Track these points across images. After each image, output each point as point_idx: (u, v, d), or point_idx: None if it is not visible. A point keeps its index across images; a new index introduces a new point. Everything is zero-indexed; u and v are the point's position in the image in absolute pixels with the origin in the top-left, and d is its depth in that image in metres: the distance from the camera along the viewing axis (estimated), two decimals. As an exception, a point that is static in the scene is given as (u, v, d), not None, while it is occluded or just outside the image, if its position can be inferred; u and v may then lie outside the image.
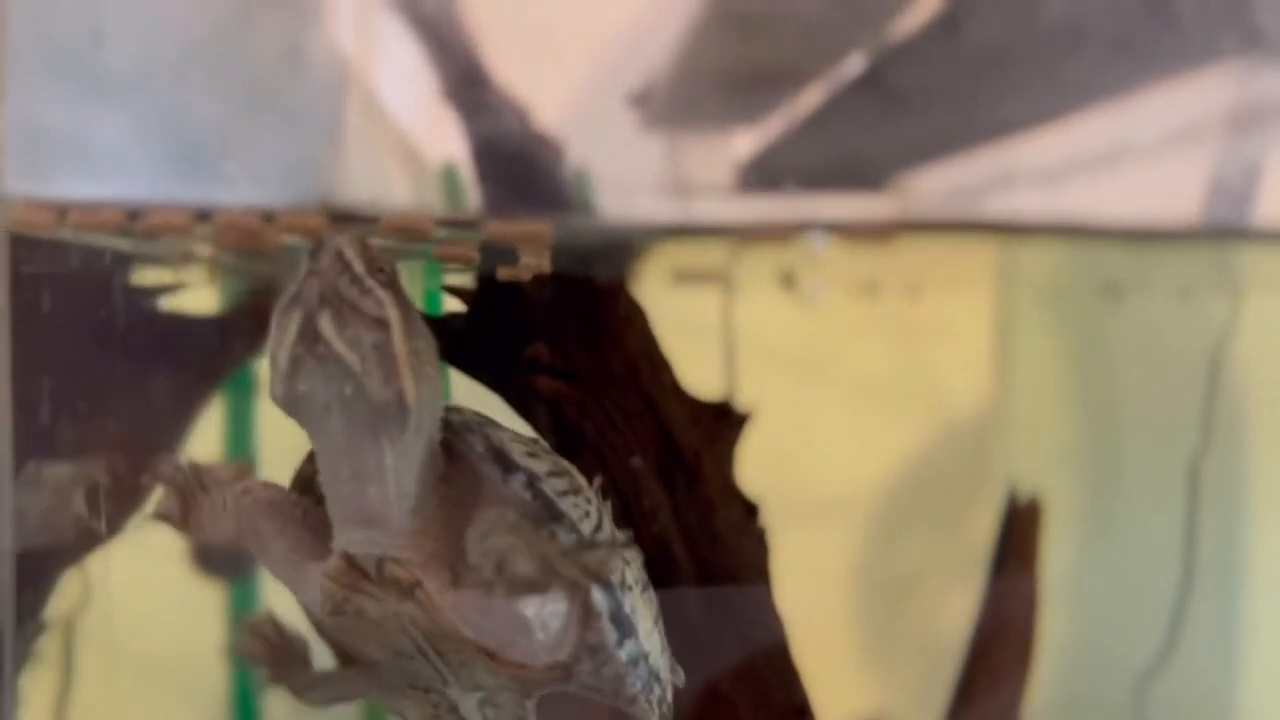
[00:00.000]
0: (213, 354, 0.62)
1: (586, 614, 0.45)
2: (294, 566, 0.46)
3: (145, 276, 0.60)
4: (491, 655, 0.45)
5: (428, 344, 0.43)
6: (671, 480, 0.50)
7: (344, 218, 0.46)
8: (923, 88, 0.63)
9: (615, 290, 0.54)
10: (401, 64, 0.56)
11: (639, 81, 0.59)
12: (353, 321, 0.41)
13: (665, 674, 0.48)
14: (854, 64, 0.62)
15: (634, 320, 0.55)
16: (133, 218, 0.43)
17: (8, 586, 0.48)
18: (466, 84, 0.56)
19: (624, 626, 0.46)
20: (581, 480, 0.46)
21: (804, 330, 0.91)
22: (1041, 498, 0.79)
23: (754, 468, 0.58)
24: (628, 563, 0.47)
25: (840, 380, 0.94)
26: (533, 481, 0.44)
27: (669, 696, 0.48)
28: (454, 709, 0.48)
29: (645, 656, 0.47)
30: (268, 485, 0.48)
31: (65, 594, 0.63)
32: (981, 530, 0.86)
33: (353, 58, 0.57)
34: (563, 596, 0.44)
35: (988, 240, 0.63)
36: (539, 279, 0.52)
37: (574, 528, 0.44)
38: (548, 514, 0.44)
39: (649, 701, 0.47)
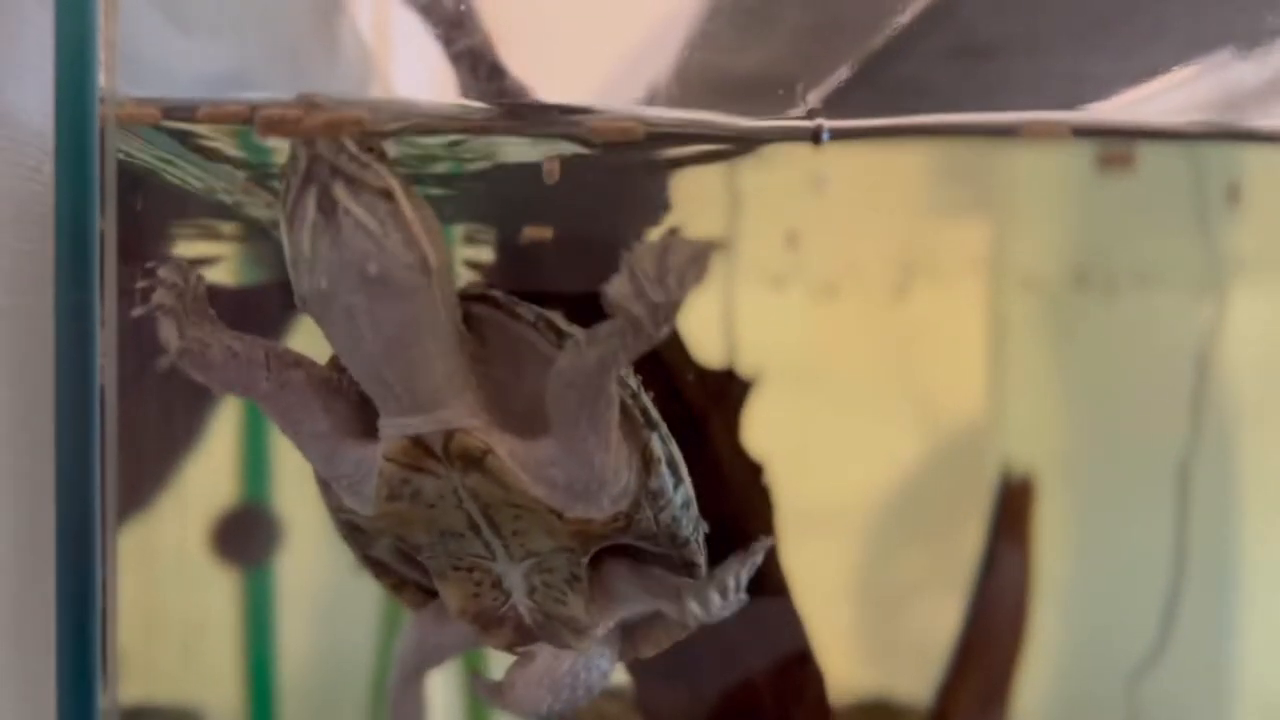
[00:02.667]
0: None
1: (647, 461, 0.46)
2: (332, 446, 0.47)
3: (188, 249, 0.62)
4: (558, 514, 0.45)
5: (430, 212, 0.44)
6: (682, 437, 0.53)
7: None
8: (915, 84, 0.66)
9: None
10: (419, 58, 0.58)
11: (648, 82, 0.62)
12: (363, 190, 0.42)
13: (699, 521, 0.50)
14: (848, 66, 0.65)
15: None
16: (253, 113, 0.46)
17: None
18: (484, 81, 0.58)
19: (677, 472, 0.48)
20: None
21: (797, 330, 0.93)
22: (1034, 479, 0.81)
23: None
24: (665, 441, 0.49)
25: (834, 380, 0.95)
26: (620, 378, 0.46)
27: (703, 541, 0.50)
28: (496, 583, 0.49)
29: (691, 502, 0.48)
30: (310, 361, 0.48)
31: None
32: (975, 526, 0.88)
33: (373, 48, 0.59)
34: (627, 444, 0.46)
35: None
36: (557, 242, 0.55)
37: (624, 383, 0.47)
38: (640, 411, 0.47)
39: (697, 543, 0.49)
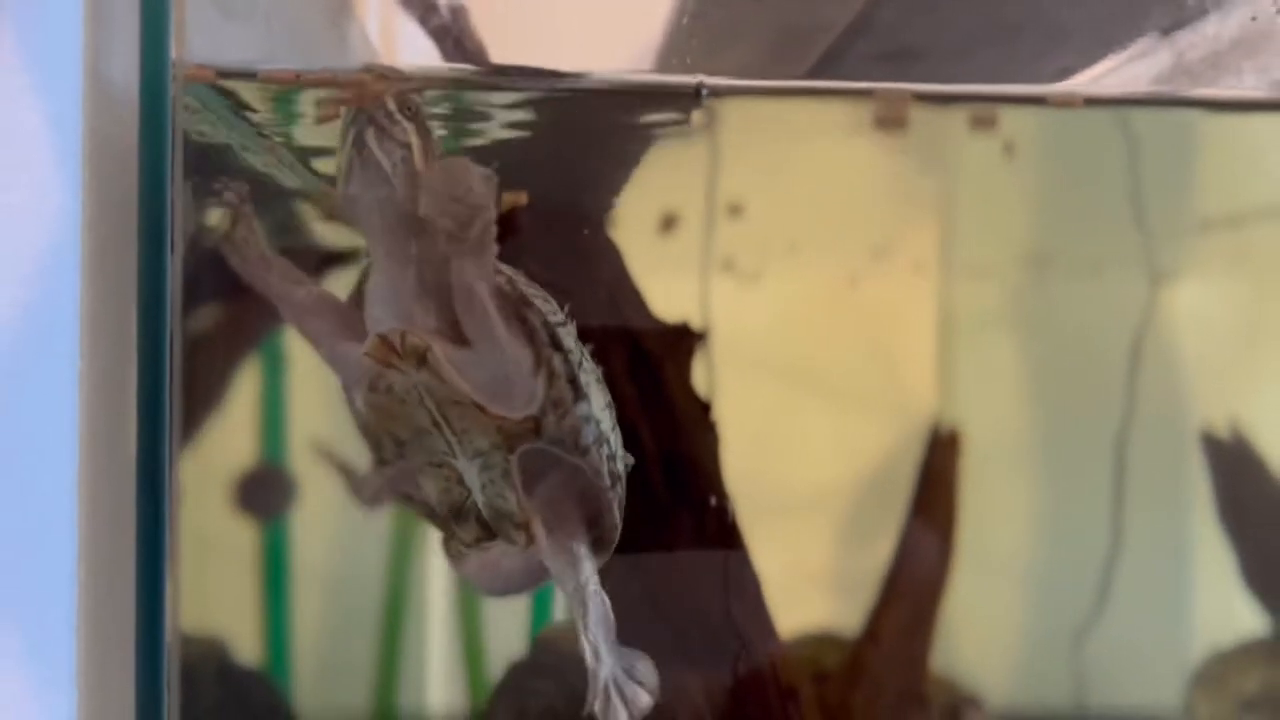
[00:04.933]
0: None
1: (550, 376, 0.58)
2: (339, 349, 0.60)
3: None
4: (482, 410, 0.57)
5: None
6: (639, 379, 0.62)
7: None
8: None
9: (593, 227, 0.67)
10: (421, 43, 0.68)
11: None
12: (386, 139, 0.57)
13: (616, 446, 0.60)
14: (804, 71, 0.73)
15: (610, 254, 0.68)
16: (297, 78, 0.62)
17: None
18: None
19: (578, 391, 0.59)
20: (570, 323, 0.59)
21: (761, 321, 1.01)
22: (960, 433, 0.89)
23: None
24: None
25: (795, 370, 1.04)
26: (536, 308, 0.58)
27: (619, 469, 0.60)
28: (460, 480, 0.60)
29: (596, 421, 0.59)
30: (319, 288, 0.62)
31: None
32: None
33: (378, 51, 0.69)
34: (532, 357, 0.58)
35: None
36: (526, 209, 0.65)
37: (532, 305, 0.58)
38: (548, 336, 0.58)
39: (599, 455, 0.59)
